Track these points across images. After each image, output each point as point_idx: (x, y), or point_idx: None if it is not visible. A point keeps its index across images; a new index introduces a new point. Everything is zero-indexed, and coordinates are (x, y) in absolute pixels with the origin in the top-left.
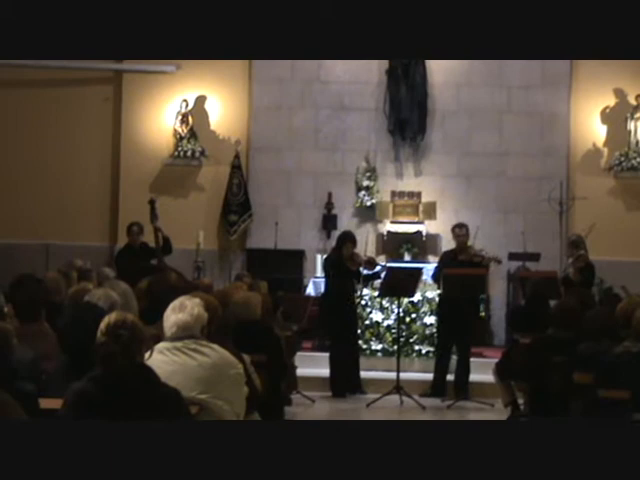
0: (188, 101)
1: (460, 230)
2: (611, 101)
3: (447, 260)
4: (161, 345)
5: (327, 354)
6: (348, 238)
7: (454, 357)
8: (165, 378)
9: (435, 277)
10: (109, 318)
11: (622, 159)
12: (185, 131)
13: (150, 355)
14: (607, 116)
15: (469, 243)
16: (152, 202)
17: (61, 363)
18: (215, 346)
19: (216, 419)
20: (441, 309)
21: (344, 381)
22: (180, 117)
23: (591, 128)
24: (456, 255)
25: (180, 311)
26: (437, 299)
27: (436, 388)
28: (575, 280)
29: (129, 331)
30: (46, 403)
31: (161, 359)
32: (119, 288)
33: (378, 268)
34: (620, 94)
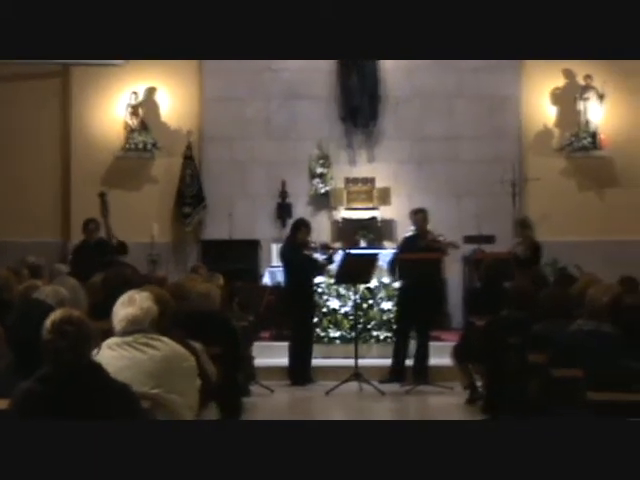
0: (138, 93)
1: (417, 215)
2: (560, 82)
3: (406, 246)
4: (111, 340)
5: (285, 343)
6: (302, 223)
7: (413, 342)
8: (115, 374)
9: (391, 264)
10: (55, 315)
11: (573, 139)
12: (136, 123)
13: (99, 351)
14: (557, 97)
15: (428, 228)
16: (102, 195)
17: (8, 362)
18: (166, 339)
19: (169, 413)
20: (400, 294)
21: (303, 370)
22: (130, 109)
23: (541, 109)
24: (415, 240)
25: (129, 305)
26: (396, 285)
27: (395, 373)
28: (524, 258)
29: (75, 327)
30: None
31: (111, 354)
32: (68, 284)
33: (331, 251)
34: (569, 74)
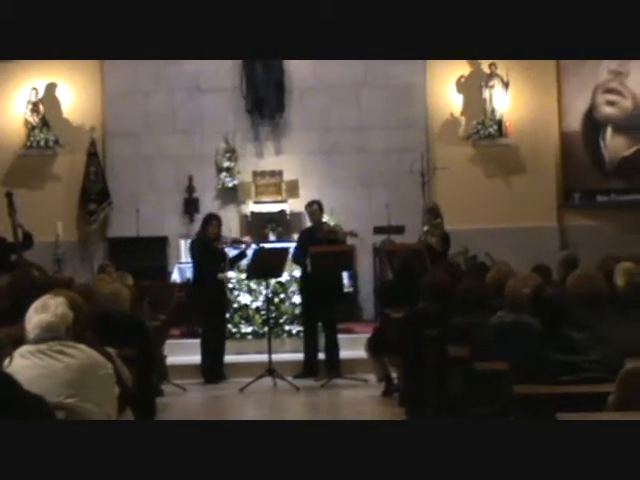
0: (38, 89)
1: (311, 207)
2: (465, 70)
3: (305, 239)
4: (23, 349)
5: (196, 341)
6: (212, 217)
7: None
8: (29, 384)
9: (296, 257)
10: None
11: (479, 127)
12: (37, 120)
13: (10, 361)
14: (462, 85)
15: (326, 220)
16: (9, 195)
17: None
18: (82, 346)
19: None
20: (304, 287)
21: (216, 367)
22: (30, 106)
23: (447, 98)
24: (313, 233)
25: (43, 311)
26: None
27: (308, 368)
28: (438, 249)
29: None
30: None
31: (24, 364)
32: None
33: (244, 246)
34: (474, 63)
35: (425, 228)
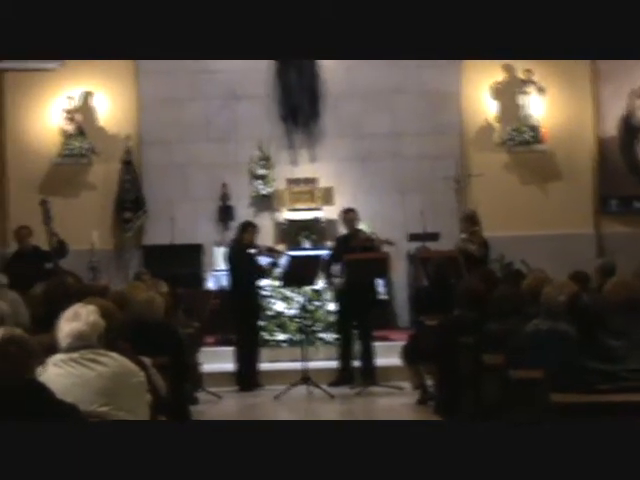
0: (74, 98)
1: (347, 215)
2: (500, 76)
3: (340, 246)
4: (56, 357)
5: (231, 348)
6: (249, 224)
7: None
8: (62, 392)
9: (325, 266)
10: None
11: (514, 134)
12: (72, 129)
13: (44, 370)
14: (497, 91)
15: (362, 227)
16: (44, 203)
17: None
18: (114, 354)
19: None
20: (339, 295)
21: (250, 375)
22: (66, 115)
23: (482, 104)
24: (348, 240)
25: (74, 320)
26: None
27: (343, 376)
28: (478, 256)
29: (18, 347)
30: None
31: (57, 372)
32: (7, 298)
33: (279, 255)
34: (509, 69)
35: (463, 235)
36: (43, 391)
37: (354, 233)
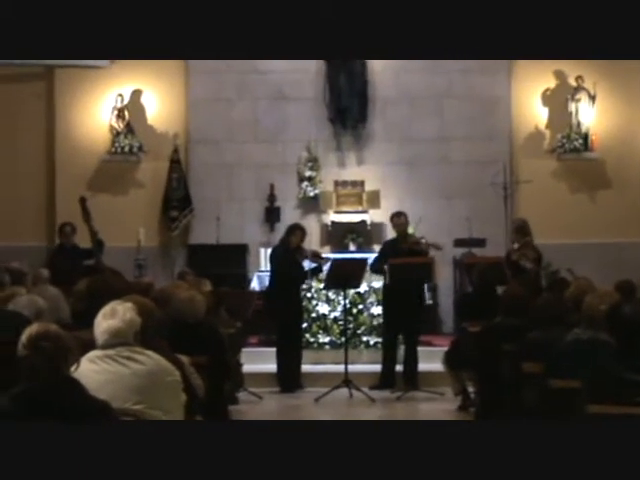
0: (124, 96)
1: (398, 219)
2: (551, 83)
3: (388, 250)
4: (92, 354)
5: (273, 349)
6: (297, 227)
7: (402, 347)
8: (97, 388)
9: (375, 267)
10: (31, 330)
11: (564, 141)
12: (122, 126)
13: (77, 366)
14: (548, 98)
15: (410, 231)
16: (83, 201)
17: None
18: (150, 353)
19: None
20: (385, 299)
21: (292, 376)
22: (116, 112)
23: (532, 110)
24: (396, 244)
25: (111, 317)
26: (382, 289)
27: (385, 379)
28: (532, 270)
29: (52, 342)
30: None
31: (92, 368)
32: (48, 293)
33: (323, 261)
34: (560, 75)
35: (515, 246)
36: (76, 387)
37: (403, 237)
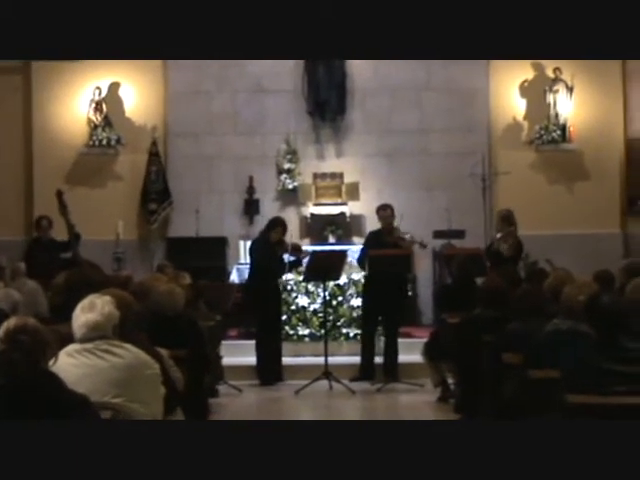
0: (101, 88)
1: (384, 211)
2: (529, 74)
3: (372, 241)
4: (70, 347)
5: (253, 342)
6: (279, 223)
7: (382, 339)
8: (75, 382)
9: (360, 260)
10: (8, 324)
11: (542, 132)
12: (99, 119)
13: (55, 361)
14: (526, 89)
15: (395, 224)
16: (59, 194)
17: None
18: (128, 346)
19: None
20: (365, 290)
21: (272, 369)
22: (94, 105)
23: (510, 102)
24: (381, 236)
25: (90, 311)
26: (362, 281)
27: (364, 371)
28: (507, 256)
29: (30, 336)
30: None
31: (70, 362)
32: (26, 287)
33: (303, 255)
34: (538, 67)
35: (498, 235)
36: (54, 381)
37: (389, 230)
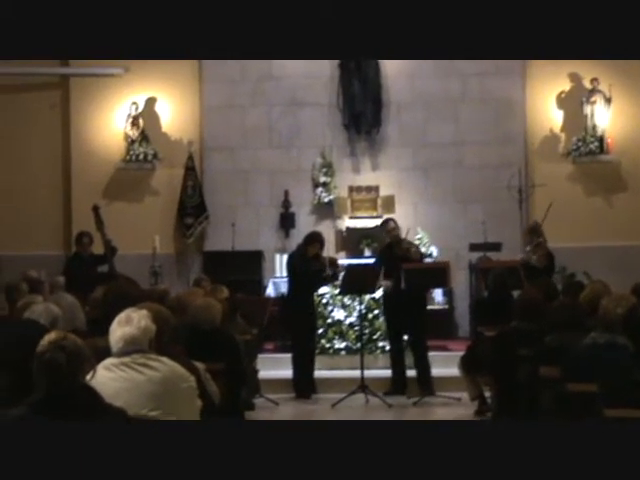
0: (138, 103)
1: (388, 225)
2: (566, 85)
3: (384, 257)
4: (108, 361)
5: (289, 355)
6: (317, 238)
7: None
8: (112, 396)
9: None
10: (48, 339)
11: (580, 144)
12: (136, 134)
13: (93, 375)
14: (563, 101)
15: (402, 236)
16: (95, 209)
17: (1, 385)
18: (165, 359)
19: None
20: (385, 306)
21: (308, 382)
22: (131, 120)
23: (547, 114)
24: (392, 249)
25: (126, 324)
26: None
27: (395, 385)
28: (540, 267)
29: (69, 352)
30: None
31: (108, 376)
32: (64, 301)
33: (339, 269)
34: (575, 78)
35: (527, 248)
36: (92, 395)
37: (397, 242)
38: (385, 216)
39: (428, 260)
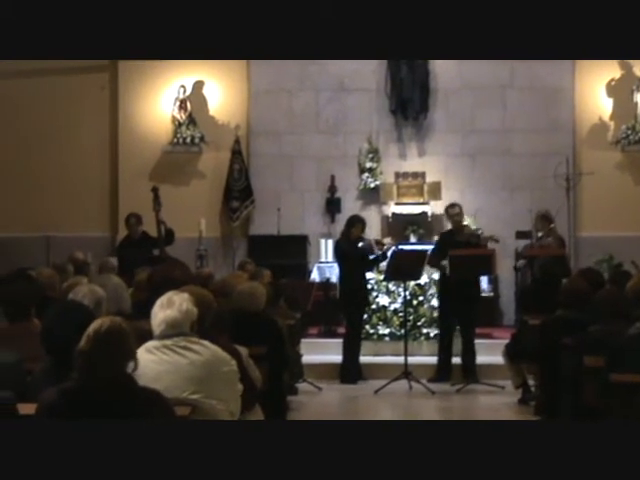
0: (186, 87)
1: (453, 209)
2: (616, 73)
3: (444, 241)
4: (150, 344)
5: (333, 340)
6: (357, 220)
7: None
8: (154, 378)
9: (432, 261)
10: (96, 324)
11: (629, 132)
12: (184, 117)
13: (136, 366)
14: (612, 89)
15: (465, 223)
16: (155, 190)
17: (45, 364)
18: (207, 343)
19: (209, 419)
20: (442, 291)
21: (355, 367)
22: (178, 103)
23: (596, 102)
24: (453, 236)
25: (168, 307)
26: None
27: (440, 372)
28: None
29: (115, 340)
30: (26, 409)
31: (150, 358)
32: (110, 282)
33: (386, 247)
34: (625, 66)
35: (539, 234)
36: (128, 382)
37: (459, 228)
38: (432, 202)
39: (493, 244)
